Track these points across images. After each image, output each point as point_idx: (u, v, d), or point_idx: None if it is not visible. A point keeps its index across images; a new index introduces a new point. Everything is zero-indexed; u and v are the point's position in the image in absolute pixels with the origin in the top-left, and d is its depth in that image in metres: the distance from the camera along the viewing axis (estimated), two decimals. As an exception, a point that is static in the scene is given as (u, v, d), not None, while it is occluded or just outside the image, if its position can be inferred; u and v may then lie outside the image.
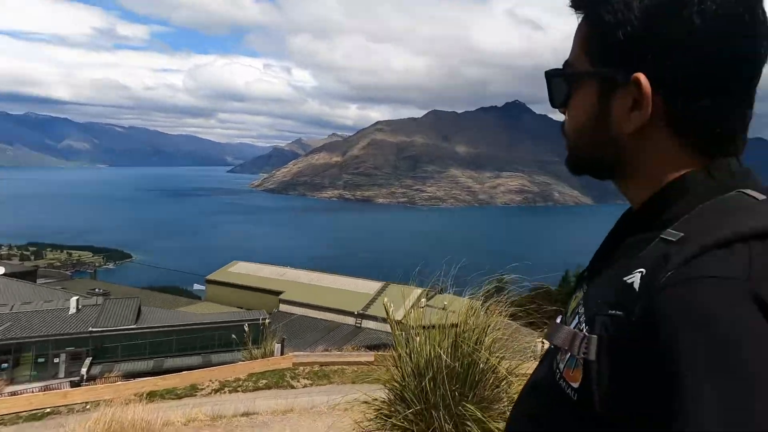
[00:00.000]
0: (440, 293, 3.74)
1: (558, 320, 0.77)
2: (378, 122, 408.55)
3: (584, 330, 0.62)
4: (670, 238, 0.59)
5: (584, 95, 0.72)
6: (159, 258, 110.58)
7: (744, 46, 0.63)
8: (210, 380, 9.89)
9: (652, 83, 0.63)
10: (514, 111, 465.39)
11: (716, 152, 0.67)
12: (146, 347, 24.68)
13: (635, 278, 0.58)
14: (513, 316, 3.36)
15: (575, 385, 0.62)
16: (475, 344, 2.91)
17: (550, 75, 0.76)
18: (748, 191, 0.63)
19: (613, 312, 0.58)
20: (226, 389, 9.48)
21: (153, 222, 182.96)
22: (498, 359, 2.98)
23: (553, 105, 0.77)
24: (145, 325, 25.50)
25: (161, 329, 25.70)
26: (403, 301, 3.63)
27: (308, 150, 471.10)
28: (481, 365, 2.88)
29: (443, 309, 3.33)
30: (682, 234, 0.58)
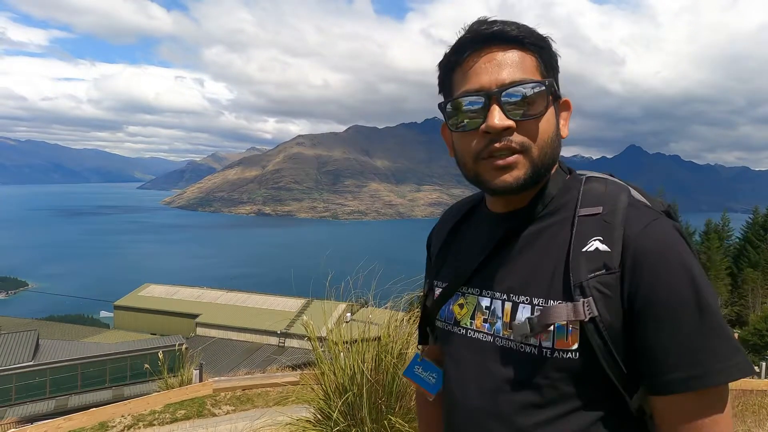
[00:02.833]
0: (364, 307, 3.75)
1: (499, 315, 0.87)
2: (299, 136, 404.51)
3: (578, 299, 0.76)
4: (594, 212, 0.82)
5: (550, 106, 0.85)
6: (59, 284, 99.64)
7: None
8: (122, 416, 9.10)
9: None
10: (433, 126, 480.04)
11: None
12: (46, 386, 22.16)
13: (596, 245, 0.78)
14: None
15: (573, 347, 0.77)
16: (398, 355, 2.95)
17: (542, 86, 0.82)
18: (591, 174, 0.92)
19: (595, 274, 0.76)
20: (141, 424, 8.78)
21: (50, 245, 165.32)
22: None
23: (523, 115, 0.82)
24: (43, 361, 22.90)
25: (63, 364, 23.20)
26: (326, 318, 3.59)
27: (225, 164, 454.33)
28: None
29: (367, 322, 3.34)
30: (601, 207, 0.82)
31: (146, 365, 13.03)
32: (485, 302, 0.89)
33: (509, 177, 0.82)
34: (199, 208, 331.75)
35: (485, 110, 0.81)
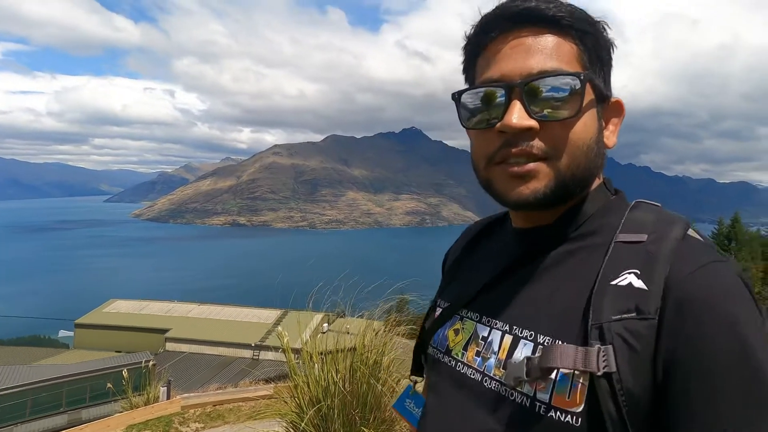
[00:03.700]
0: (340, 317, 3.66)
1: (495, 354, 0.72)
2: (275, 146, 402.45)
3: (593, 344, 0.58)
4: (637, 240, 0.65)
5: (591, 107, 0.69)
6: (9, 305, 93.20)
7: None
8: (78, 439, 8.65)
9: None
10: (411, 136, 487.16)
11: (602, 171, 0.76)
12: (-17, 417, 20.73)
13: (630, 279, 0.61)
14: (413, 334, 3.37)
15: (576, 410, 0.59)
16: (373, 366, 2.86)
17: (578, 80, 0.66)
18: (643, 200, 0.75)
19: (622, 316, 0.58)
20: (100, 446, 8.35)
21: (1, 263, 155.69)
22: (396, 379, 2.95)
23: (550, 115, 0.67)
24: (-19, 390, 21.45)
25: (8, 391, 21.76)
26: (302, 329, 3.48)
27: (199, 175, 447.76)
28: (379, 387, 2.83)
29: (343, 333, 3.25)
30: (647, 235, 0.65)
31: (109, 384, 12.45)
32: (483, 331, 0.74)
33: (525, 189, 0.67)
34: (171, 220, 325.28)
35: (504, 106, 0.66)
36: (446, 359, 0.79)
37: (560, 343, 0.62)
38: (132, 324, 37.89)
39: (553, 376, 0.61)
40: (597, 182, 0.74)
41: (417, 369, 0.94)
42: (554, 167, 0.67)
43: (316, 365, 3.04)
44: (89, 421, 11.46)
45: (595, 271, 0.64)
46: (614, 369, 0.56)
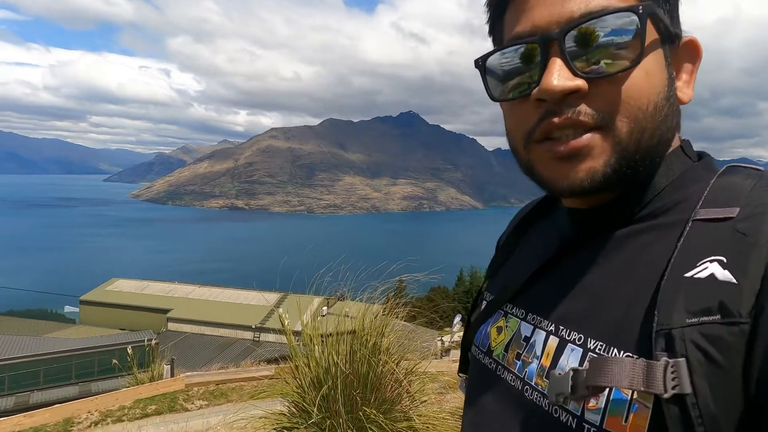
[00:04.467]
0: (340, 300, 3.77)
1: (506, 363, 0.63)
2: (272, 129, 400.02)
3: (658, 356, 0.45)
4: (724, 216, 0.49)
5: (654, 51, 0.53)
6: (17, 279, 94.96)
7: None
8: (88, 411, 8.90)
9: None
10: (409, 120, 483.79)
11: (679, 130, 0.61)
12: (5, 382, 21.48)
13: (712, 269, 0.46)
14: (412, 317, 3.49)
15: None
16: (373, 348, 2.98)
17: (634, 15, 0.50)
18: (739, 164, 0.58)
19: (701, 319, 0.44)
20: (109, 419, 8.60)
21: (3, 237, 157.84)
22: (396, 361, 3.08)
23: (600, 71, 0.51)
24: (2, 357, 22.18)
25: (23, 360, 22.52)
26: (302, 311, 3.60)
27: (196, 157, 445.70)
28: (380, 368, 2.95)
29: (343, 316, 3.37)
30: (739, 208, 0.49)
31: (115, 361, 12.78)
32: (526, 330, 0.62)
33: (579, 171, 0.53)
34: (169, 202, 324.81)
35: (541, 65, 0.52)
36: (487, 360, 0.68)
37: (615, 353, 0.49)
38: (135, 303, 38.40)
39: (605, 393, 0.48)
40: (672, 147, 0.58)
41: (463, 367, 0.82)
42: (613, 137, 0.52)
43: (316, 347, 3.16)
44: (99, 393, 11.75)
45: (666, 259, 0.50)
46: (688, 390, 0.42)
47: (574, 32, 0.51)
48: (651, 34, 0.52)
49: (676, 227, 0.52)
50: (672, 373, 0.43)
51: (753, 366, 0.42)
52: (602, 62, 0.51)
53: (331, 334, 3.20)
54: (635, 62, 0.51)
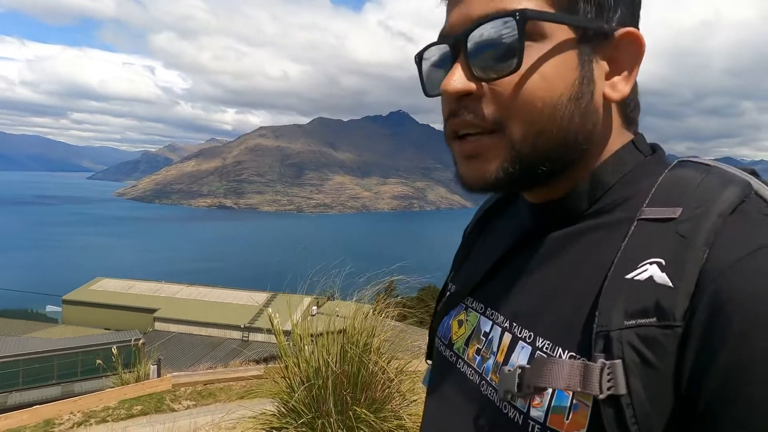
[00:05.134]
0: (330, 300, 3.75)
1: (465, 358, 0.64)
2: (261, 128, 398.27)
3: (596, 357, 0.45)
4: (666, 216, 0.48)
5: (558, 53, 0.52)
6: None
7: None
8: (71, 412, 8.76)
9: None
10: (398, 120, 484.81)
11: (634, 125, 0.61)
12: (-20, 383, 21.02)
13: (651, 272, 0.45)
14: (402, 316, 3.48)
15: None
16: (364, 347, 2.97)
17: (512, 20, 0.50)
18: (689, 158, 0.56)
19: (638, 322, 0.44)
20: (92, 420, 8.47)
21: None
22: (387, 360, 3.07)
23: (494, 70, 0.52)
24: (-24, 357, 21.67)
25: (1, 360, 22.03)
26: (292, 311, 3.58)
27: (183, 155, 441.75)
28: (370, 367, 2.94)
29: (333, 315, 3.35)
30: (682, 208, 0.48)
31: (99, 360, 12.59)
32: (486, 326, 0.63)
33: (475, 172, 0.55)
34: (156, 200, 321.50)
35: (448, 66, 0.55)
36: (448, 353, 0.69)
37: (560, 352, 0.50)
38: (120, 303, 37.91)
39: (548, 392, 0.49)
40: (620, 142, 0.58)
41: (430, 354, 0.82)
42: (505, 141, 0.53)
43: (306, 346, 3.14)
44: (82, 394, 11.56)
45: (610, 259, 0.49)
46: (623, 391, 0.43)
47: (475, 35, 0.52)
48: (554, 34, 0.51)
49: (622, 225, 0.52)
50: (608, 374, 0.43)
51: (684, 367, 0.42)
52: (491, 67, 0.52)
53: (321, 334, 3.18)
54: (516, 67, 0.50)
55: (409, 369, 3.14)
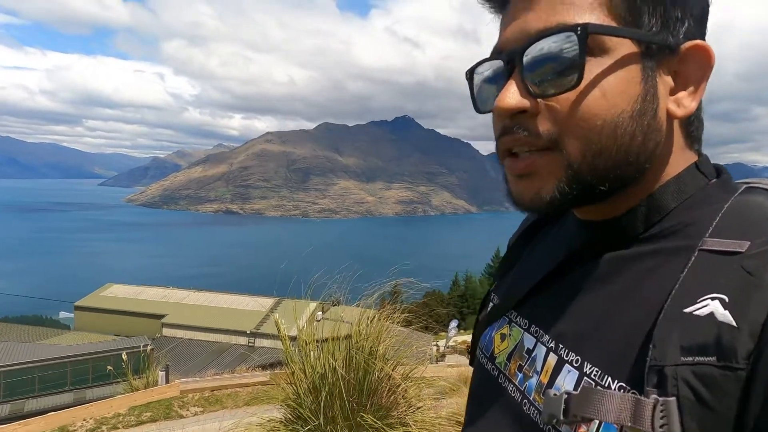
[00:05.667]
0: (336, 305, 3.77)
1: (516, 377, 0.60)
2: (267, 133, 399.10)
3: (649, 392, 0.43)
4: (731, 249, 0.45)
5: (620, 68, 0.49)
6: (13, 284, 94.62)
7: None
8: (84, 419, 8.84)
9: None
10: (404, 125, 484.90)
11: (698, 143, 0.58)
12: (0, 389, 21.30)
13: (712, 307, 0.43)
14: (407, 322, 3.49)
15: None
16: (369, 353, 2.98)
17: (573, 34, 0.48)
18: (758, 183, 0.53)
19: (696, 359, 0.41)
20: (104, 427, 8.53)
21: (1, 241, 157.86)
22: (392, 366, 3.08)
23: (552, 85, 0.49)
24: (-4, 364, 21.96)
25: (17, 367, 22.35)
26: (297, 316, 3.59)
27: (191, 161, 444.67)
28: (376, 374, 2.95)
29: (339, 321, 3.37)
30: (749, 242, 0.45)
31: (109, 367, 12.68)
32: (529, 343, 0.61)
33: (527, 190, 0.53)
34: (164, 206, 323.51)
35: (502, 83, 0.53)
36: (489, 366, 0.67)
37: (609, 382, 0.47)
38: (129, 309, 38.18)
39: (595, 423, 0.46)
40: (683, 162, 0.55)
41: (473, 360, 0.79)
42: (561, 159, 0.50)
43: (312, 352, 3.16)
44: (93, 400, 11.66)
45: (668, 290, 0.47)
46: (677, 430, 0.41)
47: (532, 50, 0.50)
48: (616, 48, 0.49)
49: (681, 254, 0.49)
50: (661, 411, 0.41)
51: (749, 413, 0.39)
52: (549, 82, 0.49)
53: (327, 340, 3.20)
54: (576, 83, 0.48)
55: (415, 375, 3.15)
